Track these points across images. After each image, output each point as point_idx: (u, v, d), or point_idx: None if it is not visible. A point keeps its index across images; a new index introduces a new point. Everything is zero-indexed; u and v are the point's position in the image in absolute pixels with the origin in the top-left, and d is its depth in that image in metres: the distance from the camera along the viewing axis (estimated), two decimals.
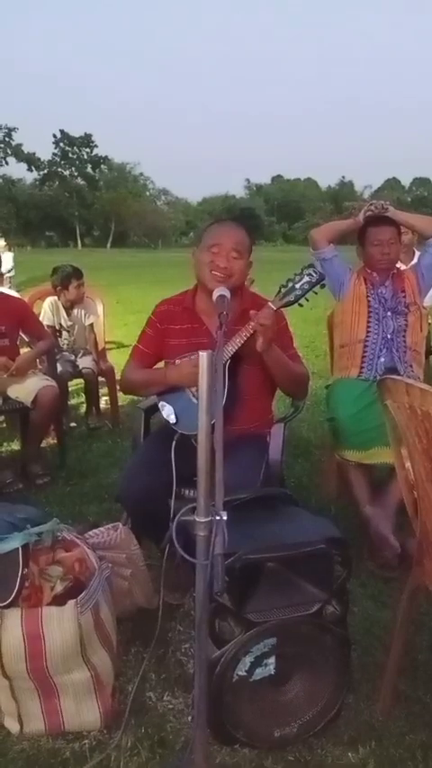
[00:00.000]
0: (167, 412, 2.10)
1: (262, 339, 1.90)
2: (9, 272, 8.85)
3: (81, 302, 4.21)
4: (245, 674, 1.51)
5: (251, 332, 1.95)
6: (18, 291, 7.20)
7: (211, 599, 1.32)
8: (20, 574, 1.58)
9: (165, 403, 2.12)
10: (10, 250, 9.49)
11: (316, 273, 1.98)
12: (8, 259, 8.95)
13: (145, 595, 1.96)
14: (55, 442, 3.66)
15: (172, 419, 2.09)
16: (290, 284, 1.98)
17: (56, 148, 74.79)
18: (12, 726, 1.63)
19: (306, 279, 1.97)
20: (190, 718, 1.64)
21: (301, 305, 2.00)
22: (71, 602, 1.56)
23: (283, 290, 1.99)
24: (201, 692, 1.31)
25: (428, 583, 1.59)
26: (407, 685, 1.75)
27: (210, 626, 1.44)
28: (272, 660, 1.52)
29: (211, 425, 1.22)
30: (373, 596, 2.19)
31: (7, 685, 1.59)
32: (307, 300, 2.00)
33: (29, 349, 3.43)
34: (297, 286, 1.97)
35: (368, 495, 2.53)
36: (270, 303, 1.98)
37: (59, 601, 1.59)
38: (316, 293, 2.00)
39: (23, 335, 3.45)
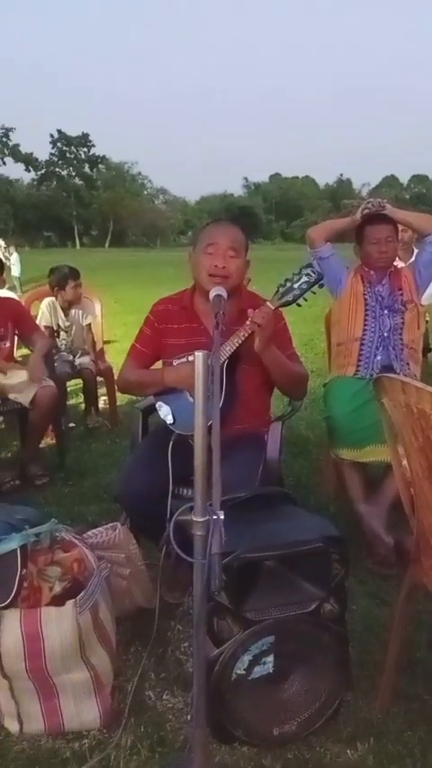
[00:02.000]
0: (165, 412, 2.10)
1: (259, 339, 1.90)
2: (19, 277, 8.83)
3: (79, 302, 4.22)
4: (243, 672, 1.51)
5: (249, 332, 1.94)
6: (23, 292, 7.18)
7: (209, 598, 1.32)
8: (18, 574, 1.59)
9: (162, 403, 2.12)
10: (16, 250, 9.42)
11: (314, 273, 1.96)
12: (16, 261, 8.91)
13: (144, 595, 1.97)
14: (54, 442, 3.66)
15: (169, 419, 2.09)
16: (288, 284, 1.96)
17: (53, 148, 74.97)
18: (11, 726, 1.64)
19: (304, 279, 1.95)
20: (189, 716, 1.65)
21: (299, 305, 1.99)
22: (70, 603, 1.57)
23: (281, 290, 1.97)
24: (200, 691, 1.31)
25: (426, 580, 1.59)
26: (405, 682, 1.76)
27: (208, 625, 1.45)
28: (270, 658, 1.53)
29: (209, 426, 1.22)
30: (371, 594, 2.20)
31: (7, 686, 1.59)
32: (305, 300, 1.99)
33: (25, 350, 3.43)
34: (295, 286, 1.95)
35: (362, 492, 2.54)
36: (268, 303, 1.97)
37: (58, 601, 1.59)
38: (314, 293, 1.99)
39: (18, 336, 3.45)
